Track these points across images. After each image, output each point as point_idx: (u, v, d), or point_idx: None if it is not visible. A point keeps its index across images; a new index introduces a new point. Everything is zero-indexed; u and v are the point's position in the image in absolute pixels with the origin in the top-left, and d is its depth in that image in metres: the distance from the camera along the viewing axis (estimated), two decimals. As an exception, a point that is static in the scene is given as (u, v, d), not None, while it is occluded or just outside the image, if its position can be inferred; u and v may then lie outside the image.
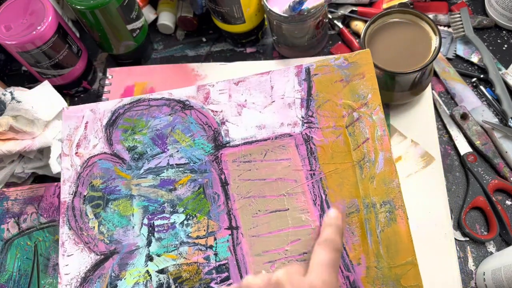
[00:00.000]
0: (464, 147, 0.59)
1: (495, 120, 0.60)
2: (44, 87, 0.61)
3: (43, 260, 0.56)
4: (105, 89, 0.66)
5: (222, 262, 0.49)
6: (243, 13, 0.62)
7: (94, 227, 0.52)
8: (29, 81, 0.71)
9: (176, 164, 0.53)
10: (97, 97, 0.67)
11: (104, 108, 0.57)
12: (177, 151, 0.54)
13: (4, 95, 0.59)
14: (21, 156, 0.62)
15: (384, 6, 0.67)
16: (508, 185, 0.56)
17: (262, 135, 0.52)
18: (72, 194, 0.53)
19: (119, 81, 0.67)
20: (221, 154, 0.53)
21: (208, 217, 0.51)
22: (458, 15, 0.65)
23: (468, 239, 0.56)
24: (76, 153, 0.55)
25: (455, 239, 0.55)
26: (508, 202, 0.57)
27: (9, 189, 0.60)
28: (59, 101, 0.62)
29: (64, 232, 0.52)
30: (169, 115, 0.55)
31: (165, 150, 0.54)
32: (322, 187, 0.49)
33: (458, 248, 0.55)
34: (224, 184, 0.51)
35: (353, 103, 0.51)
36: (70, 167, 0.55)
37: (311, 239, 0.48)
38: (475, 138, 0.59)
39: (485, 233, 0.56)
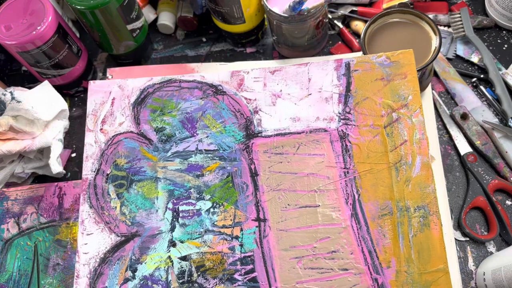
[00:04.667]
0: (464, 147, 0.59)
1: (495, 120, 0.60)
2: (44, 87, 0.60)
3: (43, 260, 0.55)
4: None
5: (247, 254, 0.48)
6: (243, 13, 0.61)
7: (116, 207, 0.50)
8: (29, 81, 0.70)
9: (205, 149, 0.52)
10: None
11: (133, 85, 0.55)
12: (207, 137, 0.52)
13: (4, 95, 0.59)
14: (21, 156, 0.61)
15: (384, 6, 0.67)
16: (508, 185, 0.56)
17: (296, 128, 0.51)
18: (94, 172, 0.52)
19: None
20: (252, 143, 0.51)
21: (235, 207, 0.49)
22: (458, 15, 0.65)
23: (468, 239, 0.56)
24: (101, 129, 0.53)
25: (455, 239, 0.55)
26: (508, 202, 0.57)
27: (9, 189, 0.60)
28: (59, 101, 0.61)
29: (84, 210, 0.50)
30: (201, 98, 0.53)
31: (195, 134, 0.52)
32: (356, 186, 0.48)
33: (458, 248, 0.55)
34: (254, 174, 0.50)
35: (393, 103, 0.50)
36: (94, 143, 0.53)
37: (341, 237, 0.47)
38: (475, 138, 0.59)
39: (485, 233, 0.56)
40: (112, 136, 0.53)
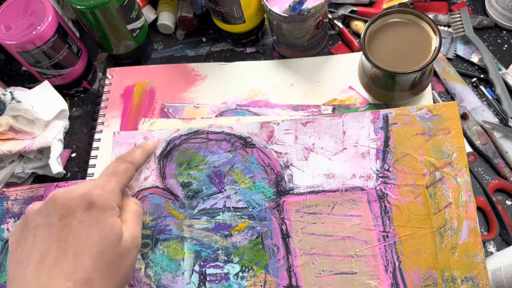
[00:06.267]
0: None
1: (495, 120, 0.59)
2: (44, 87, 0.60)
3: None
4: (105, 89, 0.66)
5: (279, 324, 0.45)
6: (243, 13, 0.61)
7: (140, 268, 0.48)
8: (29, 81, 0.70)
9: (233, 207, 0.49)
10: (97, 97, 0.67)
11: (159, 136, 0.53)
12: (235, 193, 0.49)
13: (4, 95, 0.59)
14: (21, 156, 0.61)
15: (384, 6, 0.66)
16: (508, 185, 0.55)
17: (331, 186, 0.48)
18: (118, 229, 0.50)
19: (119, 81, 0.66)
20: (283, 201, 0.48)
21: (265, 272, 0.46)
22: (458, 15, 0.64)
23: None
24: (126, 184, 0.51)
25: None
26: (508, 202, 0.55)
27: (9, 189, 0.59)
28: (59, 101, 0.61)
29: (108, 271, 0.48)
30: (229, 151, 0.51)
31: (222, 190, 0.50)
32: (396, 252, 0.45)
33: None
34: (285, 236, 0.47)
35: (435, 161, 0.46)
36: (118, 198, 0.51)
37: (380, 309, 0.44)
38: (475, 138, 0.57)
39: (485, 233, 0.54)
40: (137, 191, 0.51)
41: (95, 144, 0.62)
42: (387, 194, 0.47)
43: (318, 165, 0.49)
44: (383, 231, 0.46)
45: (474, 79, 0.62)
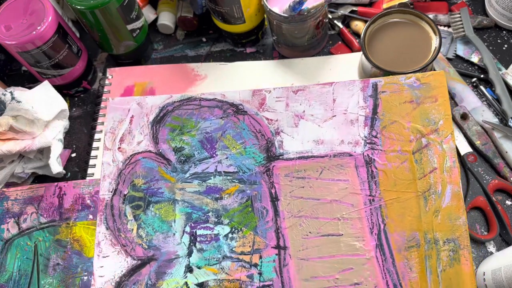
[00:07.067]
0: (464, 147, 0.57)
1: (495, 120, 0.59)
2: (44, 87, 0.60)
3: (43, 260, 0.55)
4: (105, 89, 0.65)
5: (266, 283, 0.46)
6: (243, 13, 0.60)
7: (132, 229, 0.49)
8: (29, 81, 0.70)
9: (224, 171, 0.50)
10: (97, 97, 0.66)
11: (152, 103, 0.53)
12: (226, 158, 0.50)
13: (4, 95, 0.58)
14: (21, 156, 0.61)
15: (384, 6, 0.66)
16: (508, 185, 0.55)
17: (319, 151, 0.49)
18: (112, 192, 0.51)
19: (119, 81, 0.66)
20: (273, 166, 0.49)
21: (254, 233, 0.48)
22: (458, 15, 0.64)
23: None
24: (119, 148, 0.52)
25: None
26: (508, 202, 0.55)
27: (9, 189, 0.59)
28: (59, 101, 0.61)
29: (101, 232, 0.49)
30: (221, 118, 0.52)
31: (214, 155, 0.51)
32: (381, 215, 0.46)
33: None
34: (274, 199, 0.48)
35: (422, 128, 0.48)
36: (112, 162, 0.52)
37: (365, 269, 0.45)
38: (475, 138, 0.57)
39: (485, 233, 0.54)
40: (130, 155, 0.52)
41: (95, 144, 0.61)
42: (374, 159, 0.48)
43: (307, 131, 0.50)
44: (369, 195, 0.47)
45: (474, 79, 0.61)
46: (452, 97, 0.61)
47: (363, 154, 0.48)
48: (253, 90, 0.52)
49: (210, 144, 0.51)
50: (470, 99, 0.60)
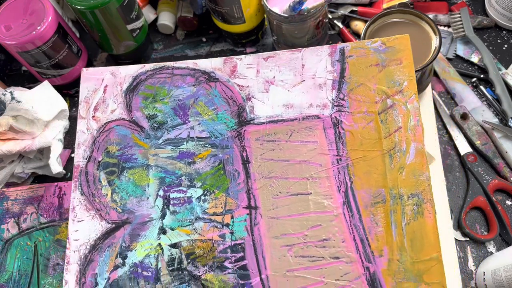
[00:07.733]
0: (464, 147, 0.59)
1: (495, 120, 0.60)
2: (44, 87, 0.60)
3: (43, 260, 0.56)
4: None
5: (237, 242, 0.47)
6: (243, 13, 0.61)
7: (107, 194, 0.50)
8: (29, 81, 0.71)
9: (196, 137, 0.51)
10: None
11: (125, 72, 0.54)
12: (199, 124, 0.51)
13: (4, 95, 0.59)
14: (21, 156, 0.61)
15: (384, 6, 0.66)
16: (508, 185, 0.56)
17: (289, 115, 0.50)
18: (86, 159, 0.52)
19: None
20: (244, 130, 0.51)
21: (226, 194, 0.49)
22: (458, 15, 0.65)
23: (468, 239, 0.55)
24: (93, 116, 0.53)
25: (455, 239, 0.55)
26: (508, 202, 0.56)
27: (9, 189, 0.60)
28: (59, 101, 0.61)
29: (76, 197, 0.50)
30: (193, 85, 0.53)
31: (186, 121, 0.52)
32: (348, 173, 0.47)
33: (458, 248, 0.54)
34: (246, 162, 0.49)
35: (387, 89, 0.49)
36: (86, 130, 0.53)
37: (332, 225, 0.46)
38: (475, 138, 0.58)
39: (485, 233, 0.55)
40: (104, 124, 0.53)
41: (94, 144, 0.61)
42: (341, 121, 0.49)
43: (278, 96, 0.51)
44: (337, 155, 0.48)
45: (474, 79, 0.62)
46: (452, 97, 0.62)
47: (330, 116, 0.49)
48: (225, 58, 0.53)
49: (183, 111, 0.52)
50: (470, 99, 0.61)
